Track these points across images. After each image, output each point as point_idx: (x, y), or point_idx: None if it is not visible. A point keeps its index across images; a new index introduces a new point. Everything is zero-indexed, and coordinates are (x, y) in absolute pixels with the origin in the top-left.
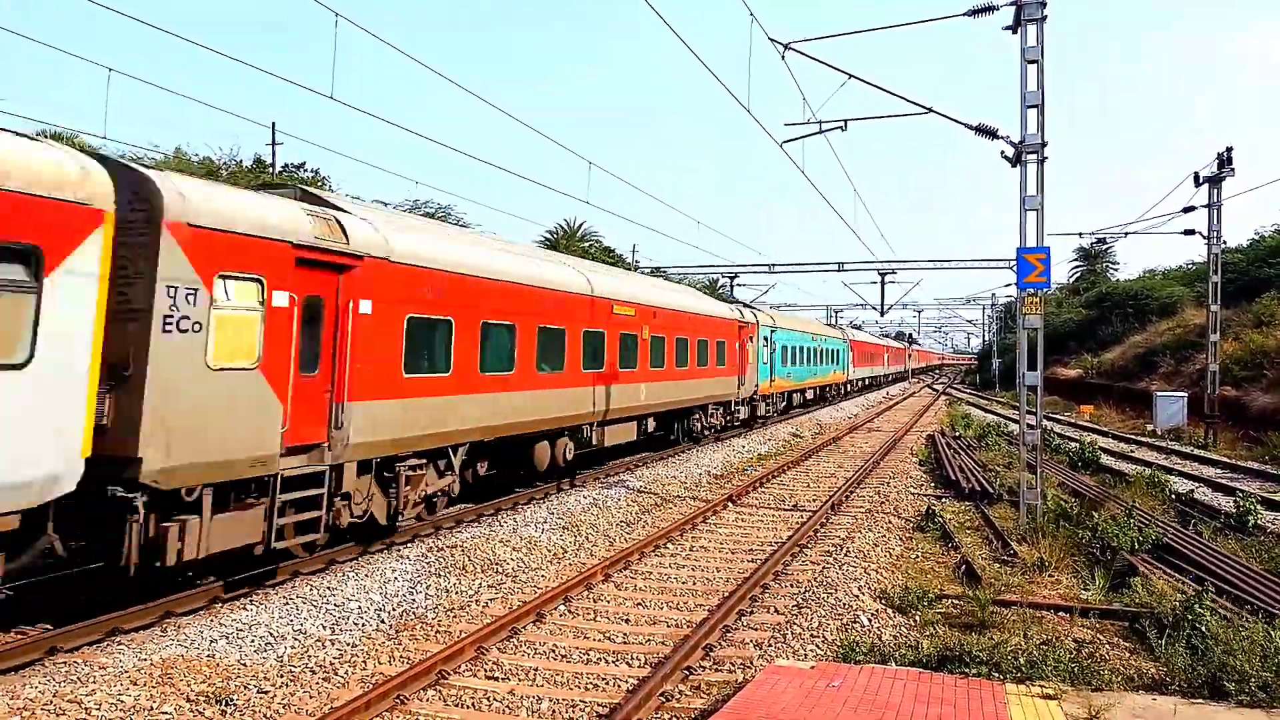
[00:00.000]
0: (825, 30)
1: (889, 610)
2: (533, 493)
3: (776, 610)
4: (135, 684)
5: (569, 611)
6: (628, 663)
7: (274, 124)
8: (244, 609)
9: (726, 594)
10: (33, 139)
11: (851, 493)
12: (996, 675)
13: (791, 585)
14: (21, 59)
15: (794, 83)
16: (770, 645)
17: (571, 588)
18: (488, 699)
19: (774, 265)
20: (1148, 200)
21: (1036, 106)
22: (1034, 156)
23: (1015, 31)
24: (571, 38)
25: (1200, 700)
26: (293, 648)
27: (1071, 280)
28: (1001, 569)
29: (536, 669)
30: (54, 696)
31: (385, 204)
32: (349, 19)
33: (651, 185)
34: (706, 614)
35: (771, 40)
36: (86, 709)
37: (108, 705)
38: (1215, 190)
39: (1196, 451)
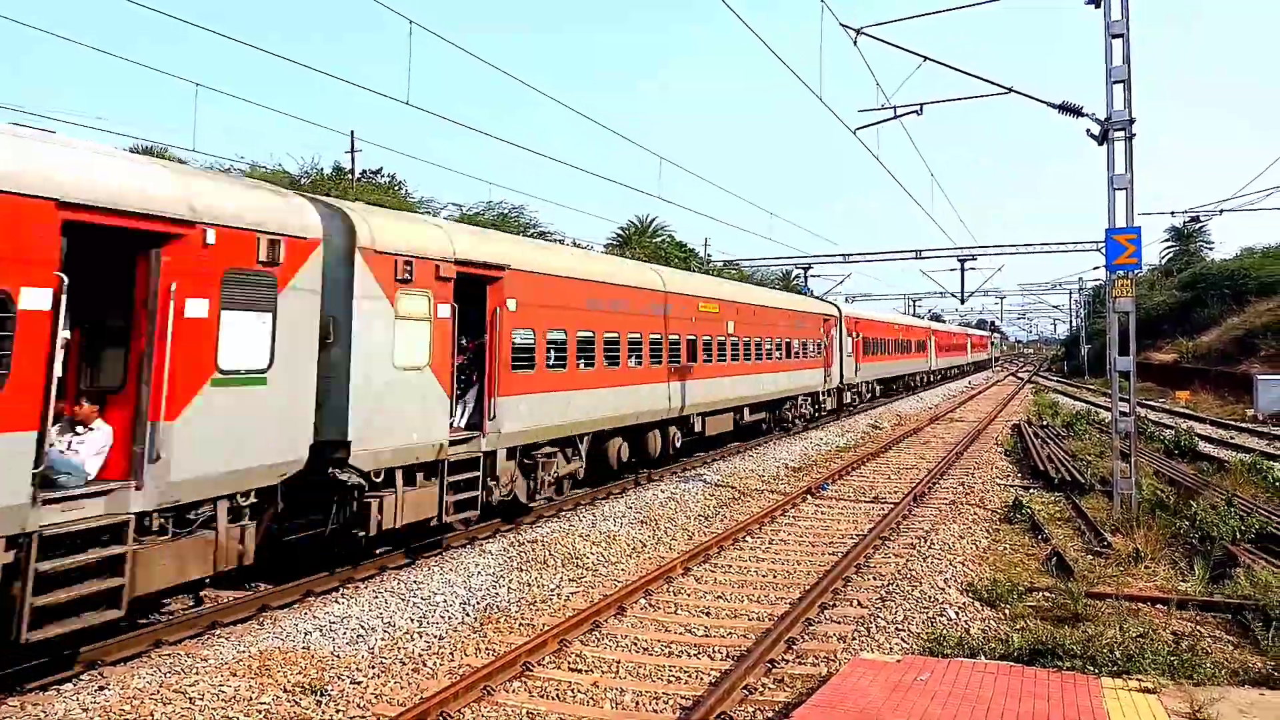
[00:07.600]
0: (898, 13)
1: (977, 603)
2: (610, 487)
3: (859, 603)
4: (235, 675)
5: (649, 605)
6: (709, 655)
7: (353, 132)
8: (336, 602)
9: (808, 587)
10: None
11: (934, 484)
12: (1091, 669)
13: (874, 578)
14: (114, 79)
15: (867, 68)
16: (854, 638)
17: (651, 581)
18: (572, 690)
19: (849, 255)
20: (1245, 175)
21: (1123, 82)
22: (1121, 134)
23: (1097, 6)
24: (639, 42)
25: None
26: (383, 640)
27: (1164, 261)
28: (1094, 561)
29: (619, 661)
30: (160, 687)
31: (460, 206)
32: (423, 25)
33: (724, 178)
34: (788, 607)
35: (843, 26)
36: (191, 699)
37: (210, 695)
38: None
39: None
